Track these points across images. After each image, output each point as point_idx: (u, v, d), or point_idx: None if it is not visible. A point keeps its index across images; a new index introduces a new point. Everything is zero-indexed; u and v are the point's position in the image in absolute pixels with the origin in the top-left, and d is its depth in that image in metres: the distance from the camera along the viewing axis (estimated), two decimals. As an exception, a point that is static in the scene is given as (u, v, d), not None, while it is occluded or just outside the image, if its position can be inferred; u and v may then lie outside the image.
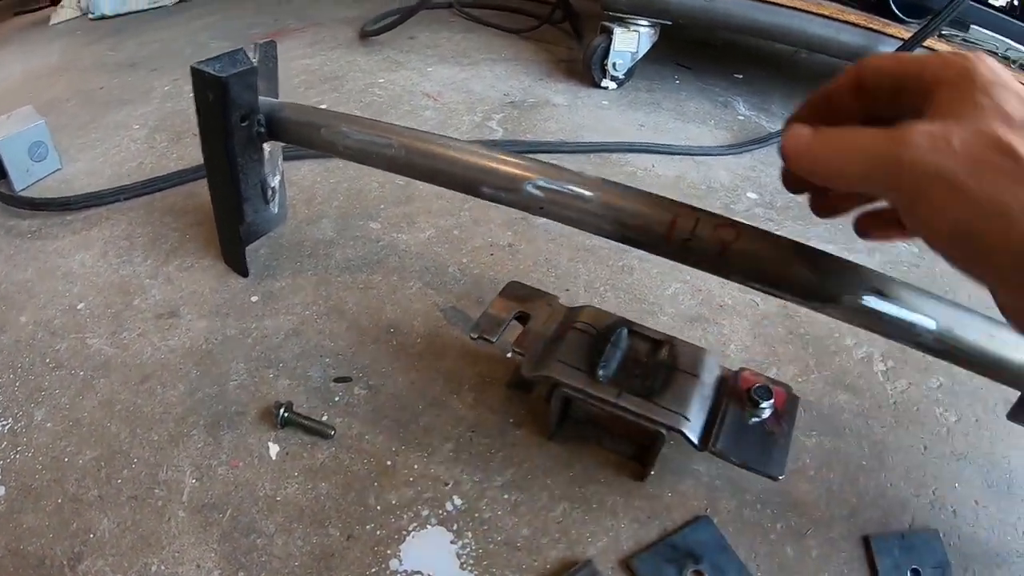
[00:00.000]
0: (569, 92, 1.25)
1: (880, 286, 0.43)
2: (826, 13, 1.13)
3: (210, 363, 0.65)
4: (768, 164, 1.05)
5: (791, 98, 1.30)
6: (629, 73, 1.26)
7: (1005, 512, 0.56)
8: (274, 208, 0.79)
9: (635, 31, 1.22)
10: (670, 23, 1.23)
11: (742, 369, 0.56)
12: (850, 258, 0.46)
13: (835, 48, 1.19)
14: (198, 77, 0.62)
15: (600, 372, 0.53)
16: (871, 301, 0.43)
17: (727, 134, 1.14)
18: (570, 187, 0.51)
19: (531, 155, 0.99)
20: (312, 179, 0.94)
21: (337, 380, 0.64)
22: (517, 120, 1.12)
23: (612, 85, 1.26)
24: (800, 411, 0.64)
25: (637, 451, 0.57)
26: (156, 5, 1.70)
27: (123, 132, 1.07)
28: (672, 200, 0.49)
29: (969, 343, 0.42)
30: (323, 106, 1.12)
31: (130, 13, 1.67)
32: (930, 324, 0.42)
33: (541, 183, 0.51)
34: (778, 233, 0.47)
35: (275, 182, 0.76)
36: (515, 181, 0.52)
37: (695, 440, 0.50)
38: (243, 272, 0.76)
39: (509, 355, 0.66)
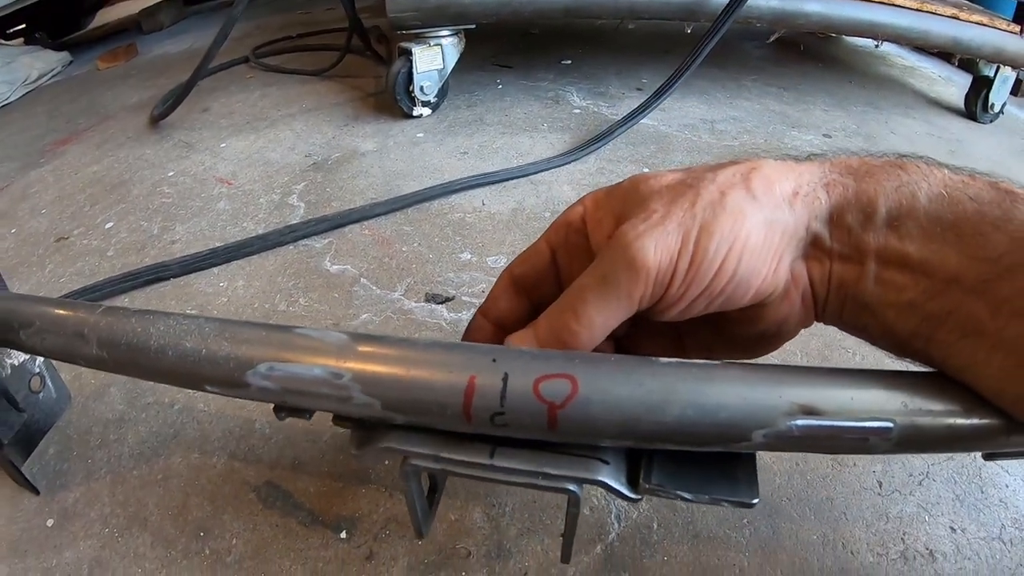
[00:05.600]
0: (380, 133, 1.10)
1: (806, 400, 0.29)
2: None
3: (22, 630, 0.49)
4: (616, 161, 0.94)
5: (627, 74, 1.20)
6: (442, 93, 1.12)
7: (986, 527, 0.49)
8: (50, 393, 0.63)
9: (437, 45, 1.08)
10: (474, 26, 1.10)
11: None
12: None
13: (662, 9, 1.08)
14: None
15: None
16: (799, 424, 0.29)
17: (564, 136, 1.02)
18: (305, 367, 0.35)
19: (338, 231, 0.85)
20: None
21: (151, 624, 0.49)
22: (321, 187, 0.97)
23: (426, 111, 1.12)
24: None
25: None
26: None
27: None
28: (466, 346, 0.35)
29: (939, 428, 0.29)
30: (109, 224, 0.95)
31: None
32: (885, 426, 0.29)
33: (265, 370, 0.36)
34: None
35: (37, 367, 0.60)
36: (235, 373, 0.37)
37: (622, 488, 0.33)
38: (32, 490, 0.60)
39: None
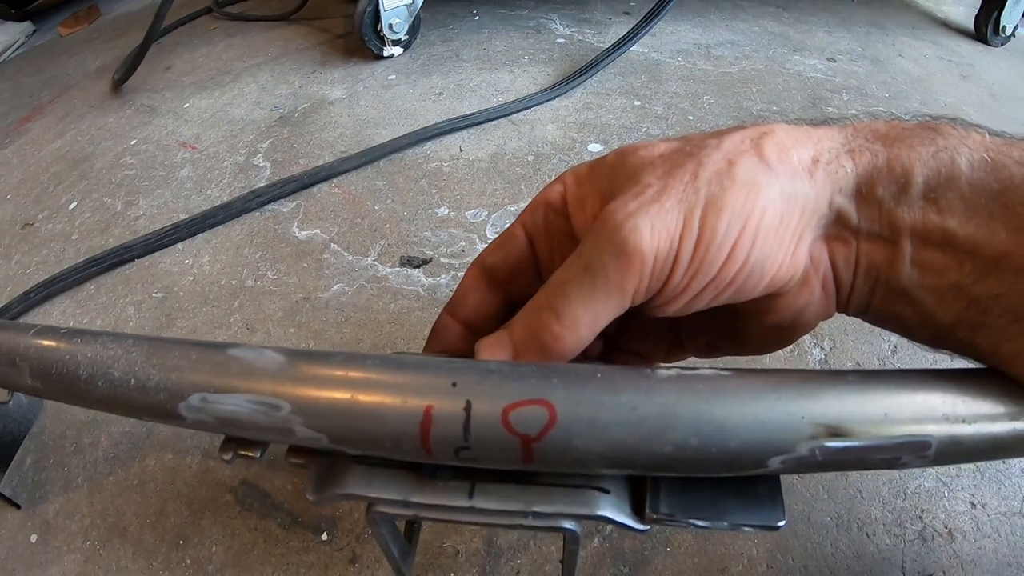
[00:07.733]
0: (349, 78, 1.02)
1: (833, 419, 0.24)
2: None
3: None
4: (604, 94, 0.86)
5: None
6: (414, 30, 1.04)
7: (1007, 500, 0.46)
8: (20, 400, 0.60)
9: (403, -23, 0.98)
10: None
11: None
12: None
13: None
14: None
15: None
16: (823, 447, 0.24)
17: (547, 69, 0.94)
18: (240, 398, 0.30)
19: (306, 191, 0.79)
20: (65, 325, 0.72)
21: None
22: (288, 143, 0.90)
23: (397, 51, 1.04)
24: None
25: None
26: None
27: None
28: (422, 364, 0.29)
29: (988, 436, 0.24)
30: (73, 205, 0.90)
31: None
32: (924, 441, 0.24)
33: (197, 402, 0.31)
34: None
35: (-1, 375, 0.57)
36: (167, 405, 0.32)
37: (628, 520, 0.28)
38: (13, 504, 0.58)
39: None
